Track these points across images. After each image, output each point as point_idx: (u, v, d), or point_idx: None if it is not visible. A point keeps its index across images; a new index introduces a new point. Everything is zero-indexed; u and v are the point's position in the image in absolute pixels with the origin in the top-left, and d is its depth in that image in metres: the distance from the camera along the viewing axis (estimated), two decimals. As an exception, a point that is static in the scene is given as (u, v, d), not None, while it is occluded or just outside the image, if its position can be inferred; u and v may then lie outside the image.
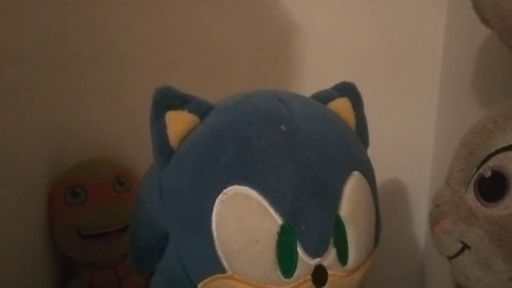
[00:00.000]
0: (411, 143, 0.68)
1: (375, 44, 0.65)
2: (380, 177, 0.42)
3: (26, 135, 0.54)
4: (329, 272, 0.34)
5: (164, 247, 0.41)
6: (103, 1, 0.63)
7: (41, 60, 0.58)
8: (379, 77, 0.65)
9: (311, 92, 0.44)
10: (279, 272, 0.33)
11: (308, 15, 0.64)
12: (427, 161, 0.68)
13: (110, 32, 0.63)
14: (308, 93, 0.44)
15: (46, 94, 0.60)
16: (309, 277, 0.34)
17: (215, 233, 0.34)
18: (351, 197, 0.36)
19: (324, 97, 0.43)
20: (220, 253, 0.34)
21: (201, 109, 0.38)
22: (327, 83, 0.45)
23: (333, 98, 0.42)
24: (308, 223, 0.34)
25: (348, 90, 0.43)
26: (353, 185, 0.37)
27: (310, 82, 0.63)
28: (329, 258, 0.34)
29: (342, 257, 0.35)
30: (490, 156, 0.35)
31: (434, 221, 0.39)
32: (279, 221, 0.33)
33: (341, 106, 0.42)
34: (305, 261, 0.34)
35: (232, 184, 0.34)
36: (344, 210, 0.35)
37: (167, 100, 0.37)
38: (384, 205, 0.42)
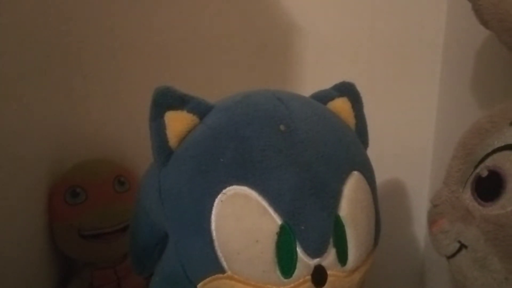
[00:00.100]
0: (411, 143, 0.67)
1: (375, 44, 0.64)
2: (380, 177, 0.42)
3: (26, 135, 0.54)
4: (328, 272, 0.34)
5: (164, 247, 0.41)
6: (103, 1, 0.63)
7: (41, 60, 0.58)
8: (379, 77, 0.65)
9: (311, 92, 0.44)
10: (278, 272, 0.33)
11: (308, 15, 0.63)
12: (427, 161, 0.68)
13: (110, 32, 0.63)
14: (308, 93, 0.44)
15: (46, 94, 0.60)
16: (308, 277, 0.34)
17: (214, 233, 0.34)
18: (351, 197, 0.36)
19: (323, 97, 0.43)
20: (219, 253, 0.34)
21: (201, 109, 0.38)
22: (327, 83, 0.45)
23: (332, 98, 0.43)
24: (307, 223, 0.34)
25: (347, 90, 0.43)
26: (352, 185, 0.36)
27: (310, 82, 0.63)
28: (329, 258, 0.34)
29: (342, 257, 0.35)
30: (487, 155, 0.35)
31: (432, 220, 0.39)
32: (279, 221, 0.33)
33: (341, 106, 0.42)
34: (304, 261, 0.34)
35: (232, 184, 0.34)
36: (344, 210, 0.35)
37: (167, 100, 0.37)
38: (384, 205, 0.42)
